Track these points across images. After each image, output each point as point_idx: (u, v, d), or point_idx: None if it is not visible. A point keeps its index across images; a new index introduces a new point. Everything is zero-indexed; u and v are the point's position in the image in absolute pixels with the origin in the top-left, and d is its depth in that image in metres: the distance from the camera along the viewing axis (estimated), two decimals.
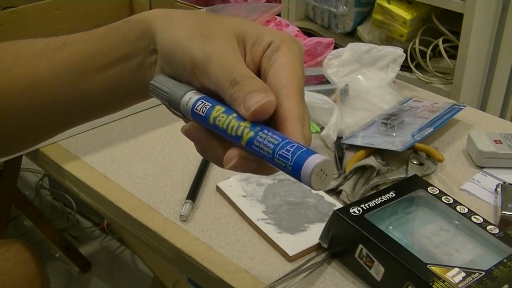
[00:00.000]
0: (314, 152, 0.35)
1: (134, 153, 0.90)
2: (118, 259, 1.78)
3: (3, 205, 1.55)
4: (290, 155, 0.35)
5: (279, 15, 1.57)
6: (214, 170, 0.86)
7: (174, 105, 0.41)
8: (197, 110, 0.39)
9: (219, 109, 0.38)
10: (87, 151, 0.90)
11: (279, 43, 0.39)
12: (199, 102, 0.39)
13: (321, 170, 0.34)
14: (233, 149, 0.37)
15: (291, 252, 0.70)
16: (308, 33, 1.85)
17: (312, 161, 0.34)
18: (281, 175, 0.83)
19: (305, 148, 0.35)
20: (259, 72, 0.40)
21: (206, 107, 0.39)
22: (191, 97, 0.40)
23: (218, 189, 0.81)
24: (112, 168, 0.86)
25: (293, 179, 0.36)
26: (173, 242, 0.72)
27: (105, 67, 0.43)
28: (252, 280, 0.67)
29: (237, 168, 0.37)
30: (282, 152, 0.35)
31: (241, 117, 0.37)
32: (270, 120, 0.38)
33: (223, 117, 0.38)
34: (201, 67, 0.38)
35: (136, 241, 1.08)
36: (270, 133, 0.36)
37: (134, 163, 0.87)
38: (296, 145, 0.35)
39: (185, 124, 0.41)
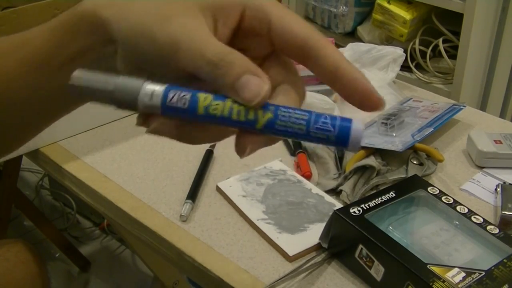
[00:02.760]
0: (347, 118, 0.34)
1: (134, 153, 0.90)
2: (118, 259, 1.78)
3: (3, 205, 1.55)
4: (330, 125, 0.33)
5: None
6: (214, 170, 0.86)
7: (125, 103, 0.35)
8: (173, 103, 0.34)
9: (206, 96, 0.34)
10: (87, 151, 0.90)
11: (265, 7, 0.36)
12: (171, 94, 0.34)
13: None
14: (245, 137, 0.35)
15: (291, 252, 0.70)
16: None
17: (358, 125, 0.33)
18: (281, 175, 0.83)
19: (337, 115, 0.34)
20: (233, 35, 0.37)
21: (186, 98, 0.34)
22: (154, 89, 0.34)
23: (218, 189, 0.81)
24: (112, 168, 0.86)
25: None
26: (173, 242, 0.72)
27: (63, 64, 0.41)
28: (252, 280, 0.67)
29: (253, 152, 0.35)
30: (319, 125, 0.33)
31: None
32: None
33: (218, 104, 0.34)
34: (170, 54, 0.34)
35: (136, 241, 1.08)
36: (290, 109, 0.34)
37: (134, 163, 0.87)
38: (326, 114, 0.34)
39: (138, 118, 0.36)
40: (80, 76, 0.35)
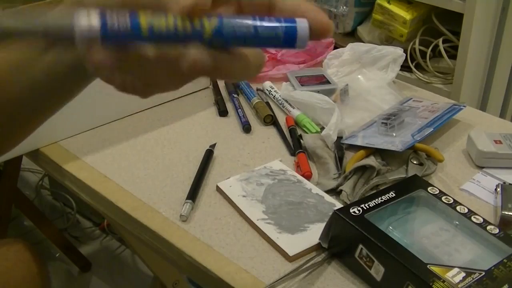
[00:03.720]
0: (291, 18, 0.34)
1: (134, 153, 0.90)
2: (118, 259, 1.78)
3: (3, 205, 1.55)
4: (276, 22, 0.34)
5: None
6: (214, 170, 0.86)
7: (59, 33, 0.32)
8: (114, 29, 0.32)
9: (146, 16, 0.32)
10: (87, 151, 0.90)
11: None
12: (108, 17, 0.32)
13: None
14: (188, 47, 0.33)
15: (291, 252, 0.70)
16: None
17: (303, 22, 0.34)
18: (281, 175, 0.83)
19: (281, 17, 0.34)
20: None
21: (126, 20, 0.32)
22: (88, 20, 0.32)
23: (218, 189, 0.81)
24: (112, 168, 0.86)
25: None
26: (173, 242, 0.72)
27: (45, 49, 0.42)
28: (252, 280, 0.67)
29: (197, 63, 0.33)
30: (266, 23, 0.33)
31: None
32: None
33: (161, 19, 0.32)
34: None
35: (136, 241, 1.08)
36: (233, 16, 0.33)
37: (134, 163, 0.87)
38: (272, 17, 0.34)
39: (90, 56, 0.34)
40: (4, 19, 0.32)
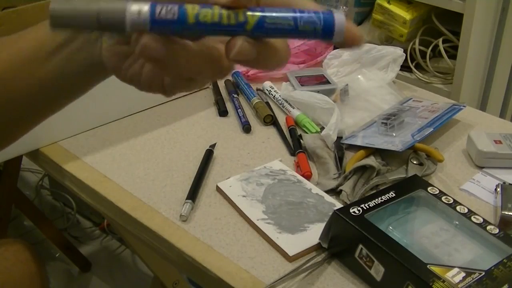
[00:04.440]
0: (327, 11, 0.35)
1: (134, 153, 0.90)
2: (118, 259, 1.78)
3: (3, 205, 1.55)
4: (315, 18, 0.35)
5: None
6: (214, 170, 0.86)
7: (112, 25, 0.34)
8: (162, 16, 0.34)
9: (193, 6, 0.34)
10: (87, 151, 0.89)
11: None
12: (158, 8, 0.34)
13: None
14: (235, 38, 0.35)
15: (291, 252, 0.70)
16: None
17: (339, 15, 0.35)
18: (281, 175, 0.83)
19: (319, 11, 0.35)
20: None
21: (174, 10, 0.34)
22: (139, 7, 0.34)
23: (218, 189, 0.81)
24: (112, 168, 0.86)
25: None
26: (173, 242, 0.72)
27: (54, 51, 0.43)
28: (252, 280, 0.67)
29: (242, 52, 0.35)
30: (306, 18, 0.35)
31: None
32: None
33: (207, 11, 0.34)
34: None
35: (136, 241, 1.09)
36: (275, 9, 0.35)
37: (134, 163, 0.87)
38: (310, 11, 0.35)
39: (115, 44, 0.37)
40: (59, 6, 0.34)
